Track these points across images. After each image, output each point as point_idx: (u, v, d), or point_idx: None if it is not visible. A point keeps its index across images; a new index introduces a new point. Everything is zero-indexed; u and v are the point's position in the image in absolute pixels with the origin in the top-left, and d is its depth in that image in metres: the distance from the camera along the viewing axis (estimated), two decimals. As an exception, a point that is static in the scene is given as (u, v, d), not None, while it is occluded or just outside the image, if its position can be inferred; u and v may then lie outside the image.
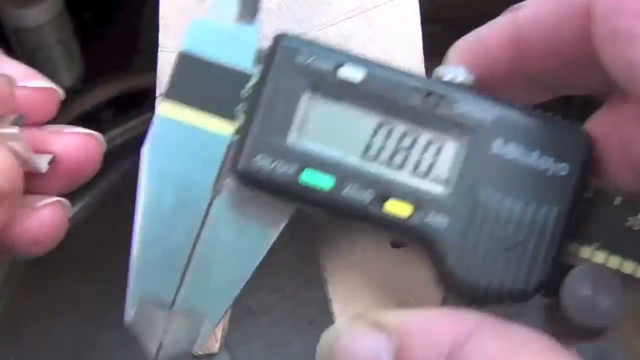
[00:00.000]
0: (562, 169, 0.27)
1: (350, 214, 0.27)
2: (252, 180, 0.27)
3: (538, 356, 0.24)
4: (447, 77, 0.28)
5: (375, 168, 0.27)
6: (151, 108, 0.35)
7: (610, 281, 0.26)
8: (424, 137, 0.27)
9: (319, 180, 0.27)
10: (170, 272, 0.28)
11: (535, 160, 0.27)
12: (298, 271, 0.53)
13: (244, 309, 0.53)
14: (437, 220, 0.27)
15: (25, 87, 0.27)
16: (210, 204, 0.28)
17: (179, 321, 0.28)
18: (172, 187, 0.28)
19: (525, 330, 0.24)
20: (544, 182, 0.27)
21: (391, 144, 0.27)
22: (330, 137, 0.27)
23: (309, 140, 0.27)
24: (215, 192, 0.28)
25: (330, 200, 0.27)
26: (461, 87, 0.28)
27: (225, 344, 0.32)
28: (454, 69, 0.28)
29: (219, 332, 0.32)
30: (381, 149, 0.27)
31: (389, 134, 0.27)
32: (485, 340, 0.24)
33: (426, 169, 0.27)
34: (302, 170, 0.27)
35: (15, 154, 0.26)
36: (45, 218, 0.28)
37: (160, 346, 0.28)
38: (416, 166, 0.27)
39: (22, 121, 0.26)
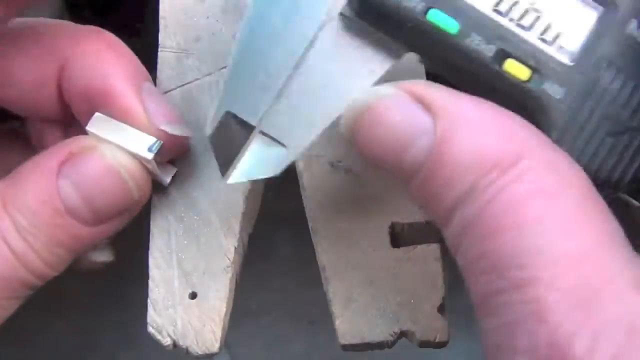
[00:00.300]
0: None
1: (469, 65, 0.26)
2: (376, 8, 0.26)
3: (579, 201, 0.23)
4: None
5: (503, 23, 0.26)
6: (151, 108, 0.35)
7: None
8: (562, 1, 0.26)
9: (445, 22, 0.25)
10: (264, 92, 0.27)
11: None
12: (298, 271, 0.53)
13: (244, 309, 0.53)
14: (553, 89, 0.26)
15: (165, 132, 0.30)
16: (319, 31, 0.27)
17: (259, 144, 0.27)
18: (282, 5, 0.27)
19: (573, 167, 0.24)
20: None
21: (524, 3, 0.26)
22: None
23: None
24: (328, 19, 0.27)
25: (452, 47, 0.26)
26: None
27: (225, 344, 0.32)
28: None
29: (219, 332, 0.32)
30: (515, 3, 0.26)
31: None
32: (531, 172, 0.23)
33: (555, 35, 0.26)
34: (430, 8, 0.25)
35: (148, 170, 0.30)
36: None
37: (233, 164, 0.28)
38: (545, 30, 0.26)
39: (157, 147, 0.30)
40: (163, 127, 0.30)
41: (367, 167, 0.33)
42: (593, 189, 0.23)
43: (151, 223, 0.33)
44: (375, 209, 0.33)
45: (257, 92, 0.27)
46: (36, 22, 0.32)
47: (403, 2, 0.25)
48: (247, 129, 0.27)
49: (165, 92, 0.35)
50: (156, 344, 0.32)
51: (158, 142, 0.30)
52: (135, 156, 0.30)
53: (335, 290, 0.32)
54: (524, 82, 0.26)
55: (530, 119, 0.25)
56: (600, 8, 0.26)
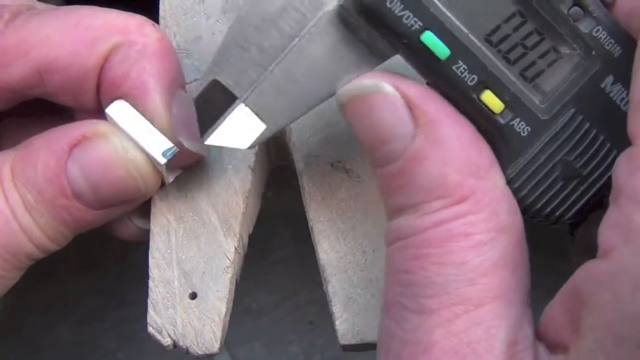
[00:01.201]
0: None
1: (451, 89, 0.27)
2: (374, 16, 0.26)
3: (500, 254, 0.25)
4: None
5: (490, 54, 0.27)
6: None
7: None
8: (549, 43, 0.27)
9: (437, 46, 0.26)
10: (253, 67, 0.28)
11: None
12: (298, 271, 0.53)
13: (244, 309, 0.53)
14: (520, 126, 0.27)
15: (181, 144, 0.30)
16: (316, 17, 0.28)
17: (239, 115, 0.28)
18: None
19: (510, 217, 0.26)
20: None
21: (516, 37, 0.27)
22: (465, 9, 0.27)
23: (445, 5, 0.27)
24: (326, 8, 0.27)
25: (438, 69, 0.27)
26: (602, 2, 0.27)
27: (225, 344, 0.32)
28: None
29: (219, 332, 0.32)
30: (504, 38, 0.27)
31: (519, 26, 0.27)
32: (472, 216, 0.25)
33: (534, 74, 0.27)
34: (425, 30, 0.26)
35: (156, 166, 0.31)
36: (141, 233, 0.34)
37: (213, 128, 0.29)
38: (527, 68, 0.27)
39: (172, 154, 0.30)
40: (182, 139, 0.30)
41: (367, 167, 0.34)
42: (520, 240, 0.26)
43: (151, 223, 0.33)
44: (375, 209, 0.33)
45: (247, 65, 0.28)
46: (86, 7, 0.32)
47: (402, 18, 0.26)
48: (231, 98, 0.28)
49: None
50: (156, 344, 0.32)
51: (174, 148, 0.30)
52: (147, 154, 0.30)
53: (335, 291, 0.32)
54: (495, 114, 0.27)
55: (493, 147, 0.27)
56: (582, 56, 0.27)
